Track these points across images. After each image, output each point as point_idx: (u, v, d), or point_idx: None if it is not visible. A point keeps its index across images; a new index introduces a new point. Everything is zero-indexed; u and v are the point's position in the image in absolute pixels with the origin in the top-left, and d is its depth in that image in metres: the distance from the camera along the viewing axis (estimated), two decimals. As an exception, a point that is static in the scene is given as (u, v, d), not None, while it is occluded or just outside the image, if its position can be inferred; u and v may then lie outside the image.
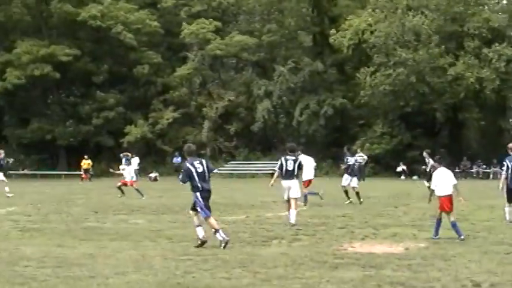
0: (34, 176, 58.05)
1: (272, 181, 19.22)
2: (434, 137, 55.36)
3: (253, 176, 53.33)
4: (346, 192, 26.42)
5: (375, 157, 50.39)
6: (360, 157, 46.39)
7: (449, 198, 15.17)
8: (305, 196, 23.93)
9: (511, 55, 48.33)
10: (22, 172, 59.82)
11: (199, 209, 14.56)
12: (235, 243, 14.64)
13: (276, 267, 11.58)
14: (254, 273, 11.08)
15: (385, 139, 51.26)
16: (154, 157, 61.72)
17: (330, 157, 55.18)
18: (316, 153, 56.01)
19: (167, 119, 60.60)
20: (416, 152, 50.66)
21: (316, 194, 26.00)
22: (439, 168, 15.59)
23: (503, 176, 18.80)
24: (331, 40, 53.61)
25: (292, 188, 18.20)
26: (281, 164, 18.39)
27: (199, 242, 14.33)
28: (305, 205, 23.50)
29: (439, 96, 49.22)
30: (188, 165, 14.63)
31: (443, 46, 48.87)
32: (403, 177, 49.68)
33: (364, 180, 43.68)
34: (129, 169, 32.04)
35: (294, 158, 18.49)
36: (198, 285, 10.26)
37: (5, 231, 17.39)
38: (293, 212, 18.12)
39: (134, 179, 31.70)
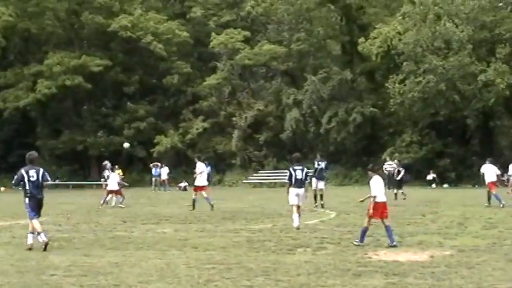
0: (66, 186, 58.58)
1: (287, 191, 19.81)
2: (465, 145, 54.99)
3: (283, 185, 53.20)
4: (315, 196, 28.11)
5: (406, 165, 50.09)
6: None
7: (386, 204, 15.76)
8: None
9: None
10: (54, 183, 60.42)
11: (27, 210, 15.90)
12: (260, 252, 14.70)
13: (299, 275, 11.62)
14: (276, 281, 11.13)
15: (414, 148, 50.88)
16: (184, 167, 62.01)
17: (360, 165, 55.03)
18: (346, 161, 56.35)
19: (197, 129, 60.87)
20: (447, 160, 50.42)
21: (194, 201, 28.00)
22: (374, 176, 16.06)
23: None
24: (359, 48, 53.44)
25: (301, 195, 19.36)
26: (290, 174, 19.42)
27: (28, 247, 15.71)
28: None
29: (470, 103, 48.79)
30: (22, 171, 15.85)
31: (473, 53, 48.49)
32: (433, 185, 49.30)
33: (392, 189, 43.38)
34: (113, 177, 32.11)
35: (301, 167, 19.52)
36: (220, 293, 10.35)
37: (35, 241, 17.61)
38: (297, 216, 19.29)
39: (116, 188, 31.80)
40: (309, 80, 56.38)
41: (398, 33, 50.69)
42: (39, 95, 59.09)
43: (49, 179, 16.78)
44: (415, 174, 50.16)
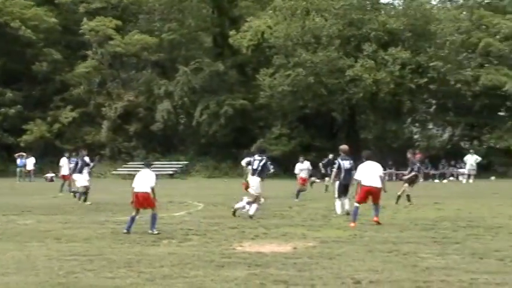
0: None
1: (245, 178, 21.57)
2: (332, 139, 56.18)
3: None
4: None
5: (274, 158, 50.66)
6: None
7: (147, 195, 16.65)
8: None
9: (406, 58, 49.38)
10: None
11: None
12: (125, 244, 14.52)
13: (162, 267, 11.54)
14: (139, 272, 11.00)
15: (283, 141, 51.55)
16: (51, 157, 60.36)
17: (230, 158, 55.34)
18: (216, 153, 56.47)
19: (66, 118, 59.49)
20: (314, 154, 51.27)
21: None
22: (143, 170, 17.86)
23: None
24: (230, 41, 53.75)
25: (253, 184, 20.34)
26: (249, 162, 21.05)
27: None
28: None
29: (337, 97, 49.88)
30: None
31: (341, 48, 49.58)
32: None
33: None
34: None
35: (260, 158, 20.70)
36: (80, 285, 10.10)
37: None
38: (246, 205, 20.56)
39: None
40: (180, 71, 56.23)
41: (269, 27, 51.29)
42: None
43: None
44: (284, 167, 50.82)
